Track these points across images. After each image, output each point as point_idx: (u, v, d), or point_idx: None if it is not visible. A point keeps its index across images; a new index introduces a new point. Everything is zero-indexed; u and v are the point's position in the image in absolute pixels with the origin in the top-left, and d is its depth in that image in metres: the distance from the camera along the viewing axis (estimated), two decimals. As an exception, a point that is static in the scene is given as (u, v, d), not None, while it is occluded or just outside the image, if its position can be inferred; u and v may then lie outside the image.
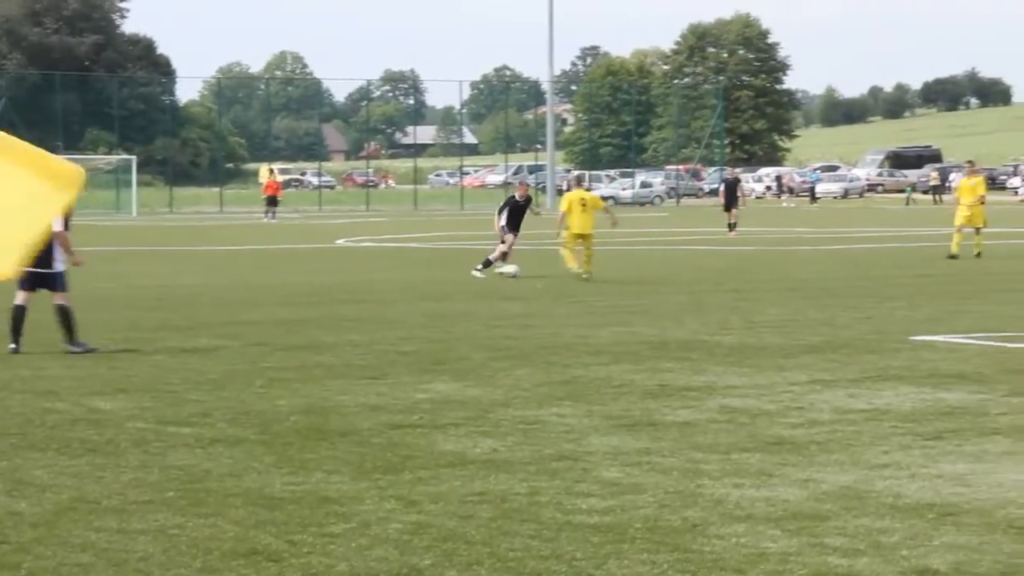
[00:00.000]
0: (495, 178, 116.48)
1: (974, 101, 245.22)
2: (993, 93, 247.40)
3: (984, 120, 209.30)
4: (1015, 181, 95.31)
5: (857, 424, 11.74)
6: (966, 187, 35.43)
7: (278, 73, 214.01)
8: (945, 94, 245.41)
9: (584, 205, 28.86)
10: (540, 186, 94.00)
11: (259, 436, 11.40)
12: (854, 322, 19.66)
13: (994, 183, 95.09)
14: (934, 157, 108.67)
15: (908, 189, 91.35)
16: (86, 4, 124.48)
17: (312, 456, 10.55)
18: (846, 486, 9.45)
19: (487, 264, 29.32)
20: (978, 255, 33.29)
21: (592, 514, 8.75)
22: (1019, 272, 29.07)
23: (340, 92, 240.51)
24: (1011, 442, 10.87)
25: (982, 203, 34.80)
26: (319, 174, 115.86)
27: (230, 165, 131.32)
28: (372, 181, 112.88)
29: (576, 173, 38.22)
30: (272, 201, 70.26)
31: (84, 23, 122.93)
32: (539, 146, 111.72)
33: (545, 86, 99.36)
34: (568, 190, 31.00)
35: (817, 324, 19.44)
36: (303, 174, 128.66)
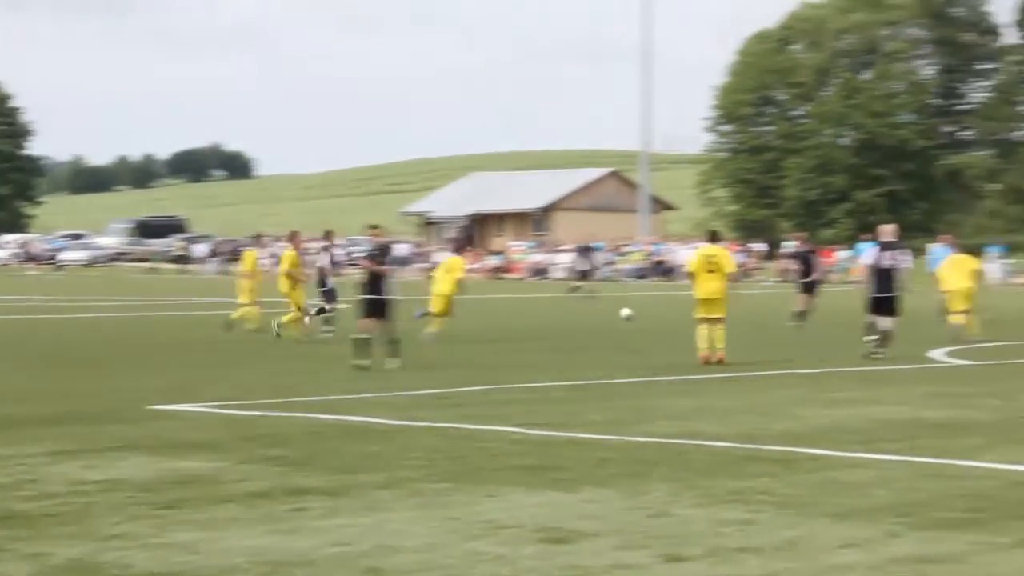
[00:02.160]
0: None
1: (220, 172, 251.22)
2: (237, 166, 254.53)
3: (229, 192, 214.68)
4: (263, 252, 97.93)
5: (92, 495, 11.69)
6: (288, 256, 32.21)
7: None
8: (192, 165, 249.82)
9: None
10: None
11: None
12: (100, 391, 19.58)
13: (235, 256, 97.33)
14: (179, 227, 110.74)
15: (155, 257, 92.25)
16: None
17: None
18: (76, 559, 9.39)
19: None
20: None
21: None
22: (256, 342, 29.92)
23: None
24: (241, 508, 11.19)
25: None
26: None
27: None
28: None
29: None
30: None
31: None
32: None
33: None
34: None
35: (61, 394, 19.21)
36: None
